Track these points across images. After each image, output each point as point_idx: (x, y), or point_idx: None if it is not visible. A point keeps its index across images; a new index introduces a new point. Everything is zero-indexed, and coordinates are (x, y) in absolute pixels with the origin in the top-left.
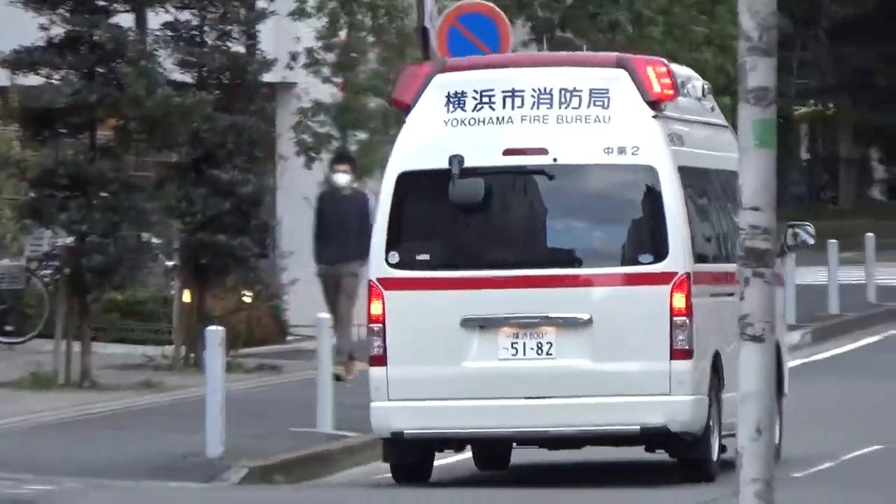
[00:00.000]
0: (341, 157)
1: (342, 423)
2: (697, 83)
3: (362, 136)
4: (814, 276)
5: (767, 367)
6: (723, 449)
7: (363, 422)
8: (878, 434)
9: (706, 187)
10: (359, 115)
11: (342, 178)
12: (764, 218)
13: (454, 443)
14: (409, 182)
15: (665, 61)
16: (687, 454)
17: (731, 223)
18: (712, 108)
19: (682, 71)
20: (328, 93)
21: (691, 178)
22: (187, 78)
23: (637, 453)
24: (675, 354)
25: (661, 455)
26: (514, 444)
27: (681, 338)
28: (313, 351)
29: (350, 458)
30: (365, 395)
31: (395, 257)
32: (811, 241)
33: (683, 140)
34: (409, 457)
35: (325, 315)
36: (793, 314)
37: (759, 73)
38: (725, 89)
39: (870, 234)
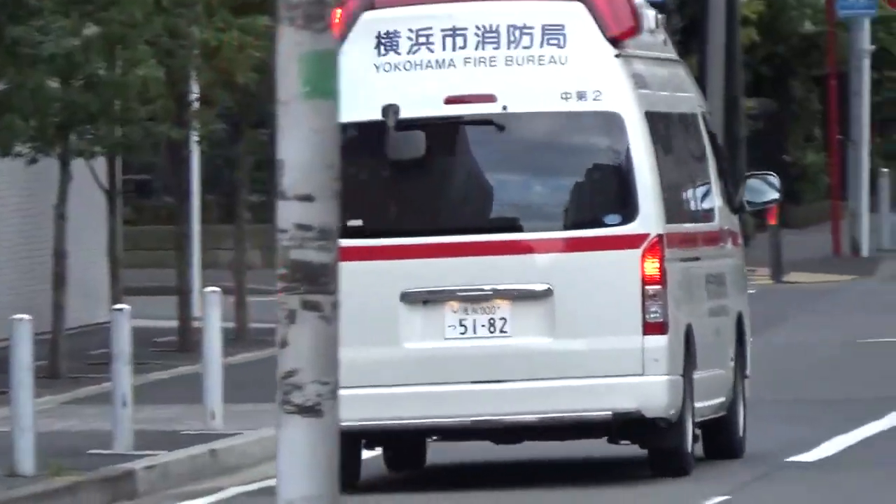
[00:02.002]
0: None
1: None
2: (650, 13)
3: None
4: None
5: (327, 457)
6: (695, 438)
7: None
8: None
9: (671, 134)
10: None
11: None
12: (320, 212)
13: (394, 435)
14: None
15: None
16: (660, 444)
17: (696, 175)
18: (665, 42)
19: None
20: None
21: (656, 124)
22: None
23: (571, 448)
24: (648, 329)
25: (602, 449)
26: (434, 439)
27: (654, 310)
28: None
29: None
30: None
31: None
32: (775, 196)
33: (647, 81)
34: (343, 454)
35: None
36: None
37: None
38: (261, 4)
39: None
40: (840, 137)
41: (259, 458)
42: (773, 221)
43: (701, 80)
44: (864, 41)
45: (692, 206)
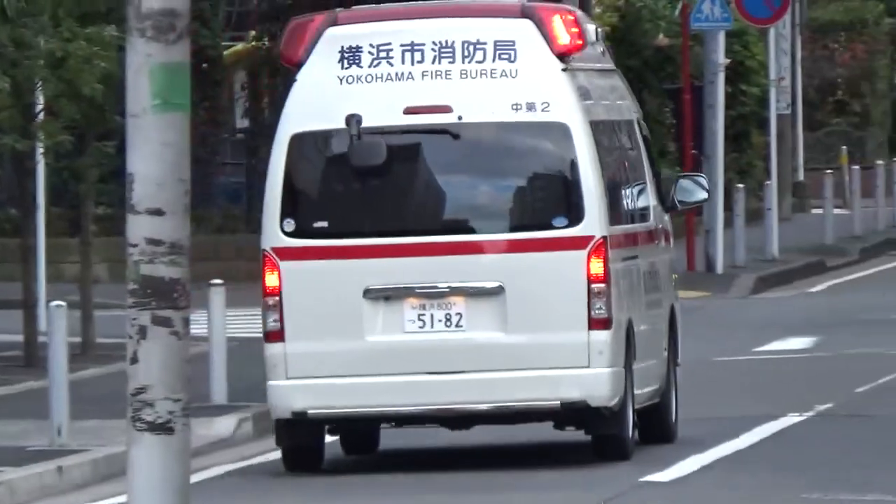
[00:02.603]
0: None
1: None
2: (590, 27)
3: None
4: None
5: (179, 475)
6: (634, 424)
7: None
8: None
9: (611, 141)
10: None
11: None
12: (171, 227)
13: (359, 422)
14: (302, 144)
15: (572, 9)
16: (604, 430)
17: (634, 177)
18: (603, 53)
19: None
20: None
21: (599, 132)
22: None
23: (508, 432)
24: (594, 324)
25: (534, 434)
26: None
27: (599, 306)
28: None
29: None
30: None
31: (290, 225)
32: (704, 196)
33: (590, 93)
34: (305, 439)
35: None
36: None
37: None
38: (107, 14)
39: None
40: (694, 152)
41: (108, 475)
42: None
43: None
44: (719, 54)
45: (631, 206)
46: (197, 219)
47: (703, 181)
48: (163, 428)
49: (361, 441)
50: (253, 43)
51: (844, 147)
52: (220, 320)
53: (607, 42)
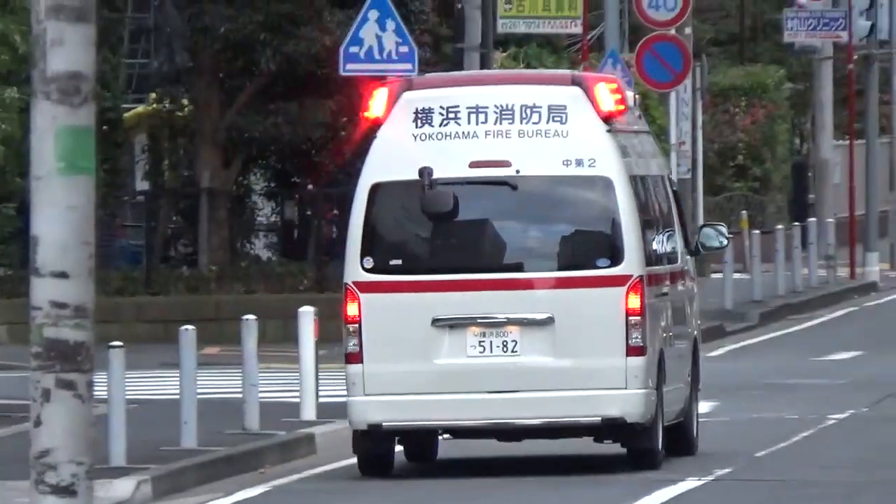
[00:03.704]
0: None
1: None
2: (629, 94)
3: None
4: None
5: None
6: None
7: None
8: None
9: (647, 193)
10: None
11: None
12: (76, 290)
13: (426, 433)
14: (381, 192)
15: (615, 78)
16: (638, 444)
17: (665, 224)
18: (639, 116)
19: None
20: None
21: (637, 186)
22: None
23: (552, 447)
24: (630, 351)
25: (580, 449)
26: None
27: (635, 336)
28: None
29: None
30: None
31: (369, 262)
32: (724, 242)
33: (629, 151)
34: (378, 448)
35: None
36: None
37: (67, 50)
38: (7, 76)
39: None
40: None
41: None
42: None
43: None
44: None
45: (662, 250)
46: (96, 280)
47: (723, 230)
48: (66, 491)
49: (422, 450)
50: (154, 105)
51: (744, 211)
52: (120, 382)
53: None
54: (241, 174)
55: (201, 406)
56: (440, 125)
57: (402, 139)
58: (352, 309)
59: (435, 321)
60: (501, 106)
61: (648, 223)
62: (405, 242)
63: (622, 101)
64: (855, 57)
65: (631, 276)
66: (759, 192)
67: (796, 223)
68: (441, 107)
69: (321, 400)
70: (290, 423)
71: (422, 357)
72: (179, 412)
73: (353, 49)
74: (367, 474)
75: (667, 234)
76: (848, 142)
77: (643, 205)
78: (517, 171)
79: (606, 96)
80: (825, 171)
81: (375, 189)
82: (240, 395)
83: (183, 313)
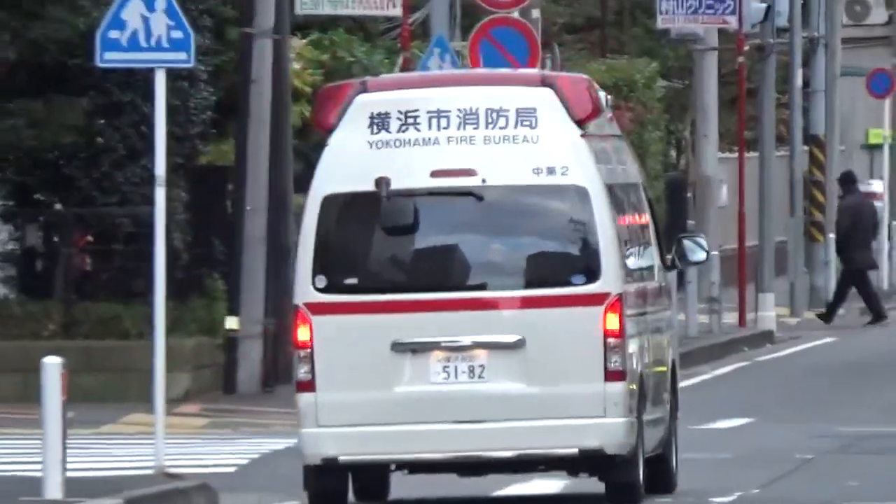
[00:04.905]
0: None
1: None
2: (602, 95)
3: None
4: None
5: None
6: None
7: None
8: None
9: (623, 203)
10: None
11: None
12: None
13: (384, 468)
14: (333, 205)
15: (587, 78)
16: (617, 478)
17: (641, 237)
18: (610, 119)
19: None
20: None
21: (613, 195)
22: None
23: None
24: (609, 376)
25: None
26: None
27: (614, 359)
28: None
29: None
30: None
31: (322, 281)
32: (703, 256)
33: (604, 157)
34: (332, 485)
35: None
36: None
37: None
38: None
39: None
40: None
41: None
42: None
43: (240, 171)
44: None
45: (640, 265)
46: None
47: (703, 242)
48: None
49: (374, 488)
50: None
51: None
52: None
53: (307, 104)
54: None
55: None
56: (398, 131)
57: (356, 147)
58: (303, 333)
59: (395, 345)
60: (465, 109)
61: (625, 236)
62: (361, 259)
63: (596, 102)
64: (746, 48)
65: (609, 293)
66: None
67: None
68: (399, 111)
69: (70, 474)
70: None
71: (381, 384)
72: None
73: (113, 34)
74: None
75: (644, 248)
76: (737, 154)
77: (620, 216)
78: (483, 181)
79: (579, 98)
80: (708, 190)
81: (327, 201)
82: None
83: None
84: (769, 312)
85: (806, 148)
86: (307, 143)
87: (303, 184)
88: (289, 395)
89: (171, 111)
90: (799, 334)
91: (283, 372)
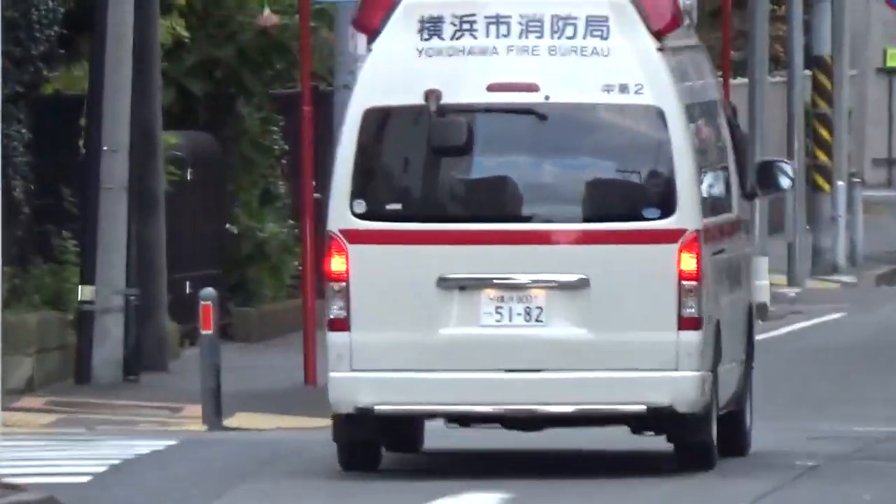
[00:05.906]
0: None
1: None
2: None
3: None
4: None
5: None
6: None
7: None
8: None
9: (702, 125)
10: None
11: None
12: None
13: (421, 418)
14: (376, 120)
15: None
16: (689, 438)
17: (720, 164)
18: (689, 27)
19: None
20: None
21: (692, 117)
22: None
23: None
24: (683, 324)
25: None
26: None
27: (690, 305)
28: None
29: None
30: None
31: (361, 206)
32: (788, 183)
33: (683, 74)
34: (365, 437)
35: None
36: None
37: None
38: None
39: None
40: (317, 196)
41: None
42: (207, 328)
43: (95, 102)
44: (360, 43)
45: (718, 194)
46: None
47: (787, 167)
48: None
49: (406, 439)
50: None
51: None
52: None
53: (181, 19)
54: None
55: None
56: (452, 38)
57: (403, 54)
58: (337, 263)
59: (441, 281)
60: (528, 16)
61: (704, 162)
62: (406, 183)
63: (676, 11)
64: None
65: (686, 230)
66: None
67: None
68: (453, 15)
69: None
70: None
71: (424, 325)
72: None
73: None
74: (349, 469)
75: (723, 176)
76: (721, 80)
77: (699, 140)
78: (546, 97)
79: (657, 5)
80: None
81: (369, 115)
82: None
83: None
84: (761, 281)
85: (808, 72)
86: (180, 67)
87: (175, 119)
88: (156, 385)
89: (6, 26)
90: (799, 309)
91: (149, 355)
